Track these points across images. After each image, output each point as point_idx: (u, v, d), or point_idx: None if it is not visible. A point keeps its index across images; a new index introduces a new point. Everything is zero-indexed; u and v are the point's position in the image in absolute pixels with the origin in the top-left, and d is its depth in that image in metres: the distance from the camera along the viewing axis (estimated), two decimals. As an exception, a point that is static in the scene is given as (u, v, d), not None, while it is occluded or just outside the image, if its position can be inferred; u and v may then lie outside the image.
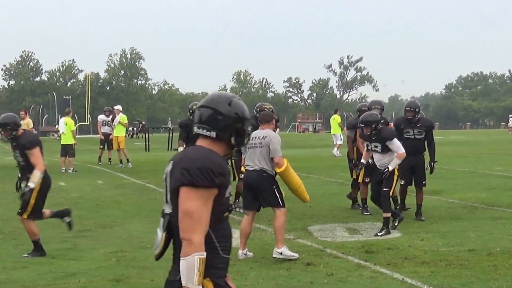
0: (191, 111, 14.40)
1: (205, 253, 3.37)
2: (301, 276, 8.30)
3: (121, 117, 27.70)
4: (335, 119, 34.25)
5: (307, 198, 10.07)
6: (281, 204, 9.37)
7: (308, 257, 9.34)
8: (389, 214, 11.22)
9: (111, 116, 28.66)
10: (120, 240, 11.06)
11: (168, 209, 3.55)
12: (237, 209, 3.73)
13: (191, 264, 3.34)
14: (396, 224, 11.37)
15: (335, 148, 32.56)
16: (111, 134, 28.21)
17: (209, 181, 3.39)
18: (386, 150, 11.36)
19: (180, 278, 3.44)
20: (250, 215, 9.58)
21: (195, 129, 3.75)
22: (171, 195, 3.51)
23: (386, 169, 11.35)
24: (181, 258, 3.37)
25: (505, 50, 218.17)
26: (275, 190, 9.39)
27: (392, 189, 11.37)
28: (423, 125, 12.80)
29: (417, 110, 12.73)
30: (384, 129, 11.47)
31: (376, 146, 11.45)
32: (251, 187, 9.53)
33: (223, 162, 3.52)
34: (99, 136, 28.89)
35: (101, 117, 29.17)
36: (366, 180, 13.17)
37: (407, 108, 12.81)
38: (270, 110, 13.99)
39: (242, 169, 10.32)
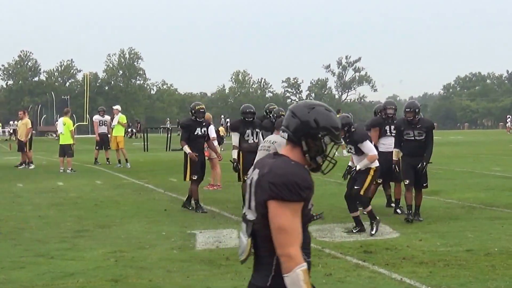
0: (193, 111, 14.40)
1: (305, 264, 3.41)
2: (299, 276, 8.29)
3: (120, 117, 27.70)
4: None
5: None
6: None
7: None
8: (357, 213, 11.27)
9: (105, 116, 28.82)
10: (119, 240, 11.05)
11: (251, 216, 3.58)
12: (316, 218, 3.72)
13: (296, 278, 3.37)
14: (373, 230, 11.20)
15: (344, 150, 32.81)
16: (107, 134, 28.35)
17: (296, 195, 3.41)
18: (360, 152, 11.37)
19: (269, 285, 3.52)
20: None
21: (281, 133, 3.77)
22: (256, 204, 3.54)
23: (354, 168, 11.47)
24: (284, 276, 3.40)
25: (503, 51, 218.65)
26: None
27: (363, 189, 11.31)
28: (423, 126, 12.57)
29: (417, 110, 12.51)
30: (356, 132, 11.40)
31: (351, 148, 11.48)
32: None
33: (308, 176, 3.52)
34: (95, 136, 28.89)
35: (97, 117, 29.27)
36: (379, 182, 13.34)
37: (406, 109, 12.60)
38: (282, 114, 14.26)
39: None
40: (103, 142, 28.56)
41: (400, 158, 12.82)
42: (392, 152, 13.06)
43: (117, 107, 29.12)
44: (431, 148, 12.55)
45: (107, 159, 28.60)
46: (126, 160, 26.89)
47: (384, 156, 13.10)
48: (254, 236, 3.57)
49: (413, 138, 12.53)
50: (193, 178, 14.16)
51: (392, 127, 13.59)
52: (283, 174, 3.45)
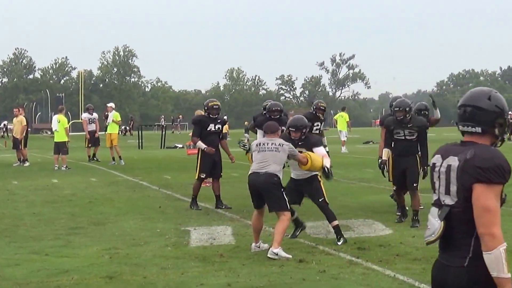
0: (206, 108, 14.36)
1: (506, 244, 3.61)
2: (293, 273, 8.34)
3: (114, 115, 27.77)
4: (343, 116, 34.76)
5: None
6: (287, 208, 9.52)
7: (301, 254, 9.38)
8: (336, 222, 10.49)
9: (94, 114, 29.01)
10: (113, 237, 11.07)
11: (449, 201, 3.80)
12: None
13: (498, 256, 3.57)
14: (297, 233, 10.77)
15: (343, 147, 33.20)
16: (96, 131, 28.58)
17: (502, 178, 3.66)
18: None
19: (466, 265, 3.72)
20: (258, 212, 9.74)
21: (460, 127, 3.94)
22: (459, 189, 3.75)
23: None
24: (485, 253, 3.59)
25: (496, 48, 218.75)
26: (283, 193, 9.53)
27: (325, 196, 10.54)
28: (414, 125, 11.94)
29: (407, 109, 11.87)
30: (312, 136, 10.88)
31: (301, 152, 10.37)
32: (258, 190, 9.61)
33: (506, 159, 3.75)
34: (85, 134, 28.92)
35: (86, 115, 29.39)
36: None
37: (395, 108, 12.02)
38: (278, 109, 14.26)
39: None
40: (93, 139, 28.73)
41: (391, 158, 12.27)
42: None
43: (111, 104, 29.18)
44: (425, 150, 11.99)
45: (94, 155, 28.80)
46: (120, 157, 26.94)
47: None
48: (448, 219, 3.78)
49: (403, 137, 11.97)
50: (201, 176, 14.12)
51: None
52: (489, 158, 3.67)
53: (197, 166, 14.25)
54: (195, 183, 14.25)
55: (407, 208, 12.45)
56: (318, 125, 15.34)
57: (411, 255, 9.23)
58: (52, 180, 20.64)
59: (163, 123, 66.16)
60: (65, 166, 24.99)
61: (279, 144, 9.71)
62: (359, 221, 12.10)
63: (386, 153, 12.28)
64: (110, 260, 9.30)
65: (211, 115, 14.22)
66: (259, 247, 9.67)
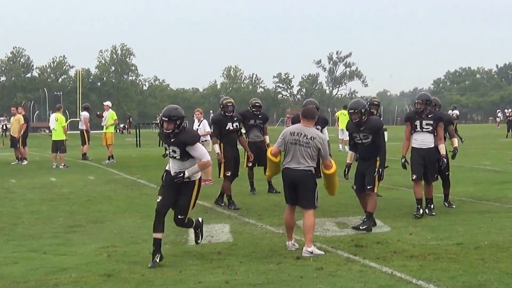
0: (221, 106, 14.42)
1: None
2: (291, 270, 8.35)
3: (110, 114, 27.89)
4: (346, 115, 34.75)
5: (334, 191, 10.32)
6: (316, 204, 9.59)
7: (298, 251, 9.40)
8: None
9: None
10: (111, 235, 11.09)
11: None
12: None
13: None
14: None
15: (342, 145, 33.09)
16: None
17: None
18: (186, 156, 9.13)
19: None
20: (291, 208, 9.76)
21: None
22: None
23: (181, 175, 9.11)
24: None
25: (492, 46, 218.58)
26: (316, 190, 9.58)
27: (190, 207, 9.30)
28: (367, 127, 11.32)
29: (362, 111, 11.22)
30: (188, 132, 9.29)
31: (174, 151, 9.17)
32: (295, 185, 9.57)
33: None
34: (89, 132, 28.96)
35: (86, 113, 29.41)
36: (413, 177, 12.74)
37: (350, 111, 11.40)
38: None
39: None
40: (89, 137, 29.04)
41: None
42: (425, 149, 12.57)
43: (108, 103, 29.25)
44: (382, 151, 11.38)
45: (85, 153, 28.94)
46: (109, 157, 27.24)
47: (417, 153, 12.63)
48: None
49: (360, 141, 11.50)
50: (227, 174, 14.12)
51: (424, 122, 12.60)
52: None
53: (220, 166, 14.25)
54: (224, 184, 14.24)
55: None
56: None
57: (408, 252, 9.25)
58: (50, 179, 20.66)
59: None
60: (63, 164, 25.03)
61: (311, 138, 9.53)
62: (357, 219, 12.11)
63: (349, 157, 12.02)
64: (108, 258, 9.32)
65: (226, 113, 14.34)
66: (294, 245, 9.66)
